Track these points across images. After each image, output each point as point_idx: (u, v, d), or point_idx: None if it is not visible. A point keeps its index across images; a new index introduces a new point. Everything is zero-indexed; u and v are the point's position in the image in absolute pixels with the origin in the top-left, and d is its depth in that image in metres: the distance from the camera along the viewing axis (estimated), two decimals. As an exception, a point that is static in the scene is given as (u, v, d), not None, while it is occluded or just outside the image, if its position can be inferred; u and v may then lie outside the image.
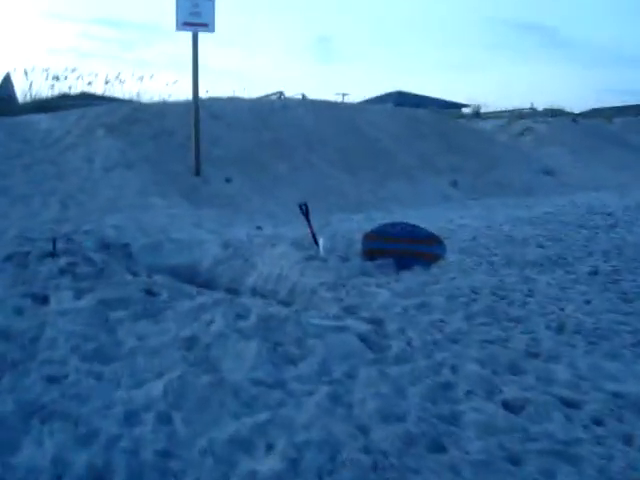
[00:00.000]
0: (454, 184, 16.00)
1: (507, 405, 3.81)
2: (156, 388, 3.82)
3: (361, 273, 6.77)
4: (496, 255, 8.23)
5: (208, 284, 7.93)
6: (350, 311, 5.48)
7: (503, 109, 32.19)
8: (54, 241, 7.25)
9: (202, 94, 14.48)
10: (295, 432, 3.36)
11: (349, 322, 5.06)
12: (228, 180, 13.02)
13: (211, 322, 4.85)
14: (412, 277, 6.82)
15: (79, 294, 5.54)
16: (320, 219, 11.41)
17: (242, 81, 75.44)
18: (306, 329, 4.75)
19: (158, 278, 6.33)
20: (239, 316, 4.96)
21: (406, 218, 11.75)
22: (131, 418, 3.50)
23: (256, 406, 3.66)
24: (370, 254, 7.33)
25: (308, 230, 7.61)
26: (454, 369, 4.29)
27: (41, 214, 9.71)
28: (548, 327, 5.26)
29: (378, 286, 6.27)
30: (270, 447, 3.25)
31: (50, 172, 11.54)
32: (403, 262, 7.15)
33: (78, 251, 7.34)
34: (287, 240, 8.49)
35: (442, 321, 5.37)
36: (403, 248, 7.18)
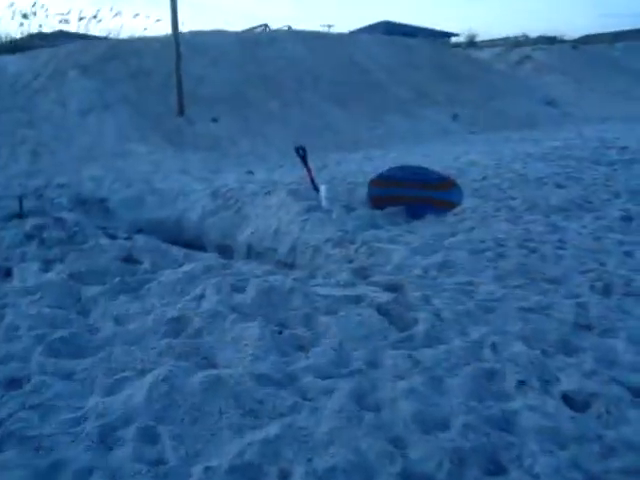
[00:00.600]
0: (455, 117, 15.09)
1: (569, 400, 3.11)
2: (138, 392, 3.08)
3: (370, 225, 6.00)
4: (514, 198, 7.46)
5: (197, 241, 7.17)
6: (363, 275, 4.73)
7: (496, 37, 30.94)
8: (20, 200, 6.42)
9: (183, 29, 13.38)
10: (315, 452, 2.66)
11: (364, 290, 4.33)
12: (214, 120, 12.09)
13: (202, 297, 4.10)
14: (426, 228, 6.06)
15: (47, 265, 4.77)
16: (316, 160, 10.54)
17: (224, 14, 71.94)
18: (315, 303, 4.01)
19: (139, 240, 5.54)
20: (235, 289, 4.20)
21: (406, 156, 10.94)
22: (107, 438, 2.78)
23: (263, 414, 2.94)
24: (377, 202, 6.55)
25: (307, 176, 6.80)
26: (495, 349, 3.58)
27: (9, 167, 8.83)
28: (592, 288, 4.54)
29: (391, 241, 5.51)
30: (284, 476, 2.55)
31: (20, 119, 10.57)
32: (414, 210, 6.38)
33: (49, 210, 6.54)
34: (283, 187, 7.67)
35: (470, 283, 4.64)
36: (414, 194, 6.40)
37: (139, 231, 7.26)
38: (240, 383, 3.12)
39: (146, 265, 4.86)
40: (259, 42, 15.17)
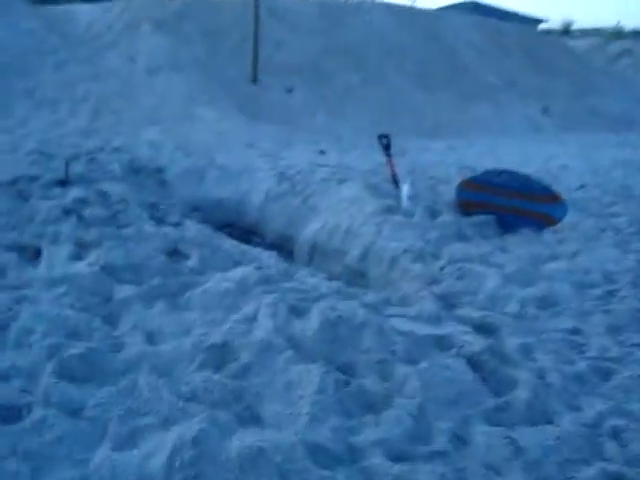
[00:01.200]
0: (545, 111, 13.91)
1: None
2: (158, 453, 2.38)
3: (456, 236, 5.15)
4: (618, 216, 6.47)
5: (256, 227, 6.48)
6: (449, 304, 3.92)
7: (588, 27, 29.05)
8: (67, 164, 5.80)
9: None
10: None
11: (452, 329, 3.52)
12: (289, 90, 11.31)
13: (254, 319, 3.35)
14: (521, 246, 5.17)
15: (80, 251, 4.12)
16: (395, 146, 9.68)
17: None
18: (392, 344, 3.22)
19: (190, 228, 4.84)
20: (295, 312, 3.44)
21: (493, 150, 9.97)
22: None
23: (315, 511, 2.19)
24: (466, 207, 5.68)
25: (387, 167, 5.96)
26: (620, 440, 2.73)
27: (67, 123, 8.26)
28: None
29: (481, 260, 4.66)
30: None
31: (85, 73, 10.01)
32: (507, 221, 5.49)
33: (97, 178, 5.90)
34: (358, 177, 6.87)
35: (578, 331, 3.77)
36: (510, 204, 5.50)
37: (195, 209, 6.62)
38: (289, 459, 2.37)
39: (193, 262, 4.16)
40: (343, 10, 14.23)
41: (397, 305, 3.82)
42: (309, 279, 4.01)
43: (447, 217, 5.50)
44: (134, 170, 6.63)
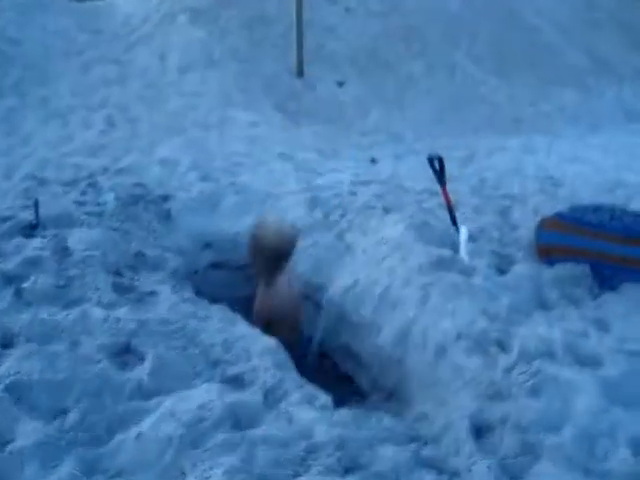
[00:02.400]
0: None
1: None
2: None
3: (534, 302, 3.71)
4: None
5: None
6: (529, 451, 2.50)
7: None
8: (36, 205, 4.65)
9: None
10: None
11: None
12: (341, 84, 9.89)
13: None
14: (629, 316, 3.65)
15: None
16: (461, 146, 8.19)
17: None
18: None
19: (165, 299, 3.57)
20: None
21: (581, 152, 8.28)
22: None
23: None
24: (548, 253, 4.20)
25: (442, 198, 4.51)
26: None
27: (75, 138, 7.14)
28: None
29: (569, 351, 3.18)
30: None
31: (110, 74, 8.89)
32: (607, 275, 3.98)
33: (76, 220, 4.72)
34: (409, 201, 5.47)
35: None
36: (611, 251, 3.98)
37: (206, 247, 5.39)
38: None
39: (143, 372, 2.90)
40: (406, -12, 12.59)
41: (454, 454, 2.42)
42: (304, 412, 2.66)
43: (522, 269, 4.02)
44: (132, 200, 5.42)
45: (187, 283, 4.57)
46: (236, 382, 2.95)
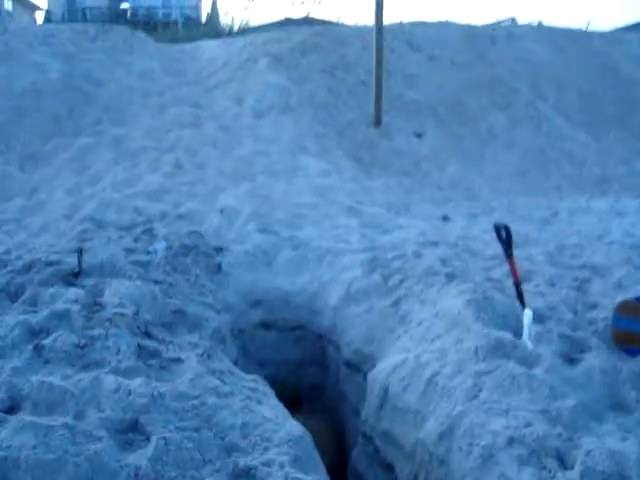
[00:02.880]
0: None
1: None
2: None
3: (608, 402, 3.17)
4: None
5: (331, 335, 4.84)
6: None
7: None
8: (80, 254, 4.50)
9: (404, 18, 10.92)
10: None
11: None
12: (419, 135, 9.57)
13: None
14: None
15: None
16: (543, 206, 7.66)
17: (457, 4, 63.47)
18: None
19: (189, 369, 3.26)
20: None
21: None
22: None
23: None
24: (624, 341, 3.65)
25: (510, 270, 4.03)
26: None
27: (142, 180, 7.10)
28: None
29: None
30: None
31: (185, 117, 8.91)
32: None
33: (119, 270, 4.54)
34: (474, 267, 5.03)
35: None
36: None
37: (255, 305, 5.11)
38: None
39: (144, 458, 2.58)
40: (493, 39, 12.21)
41: None
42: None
43: (595, 359, 3.48)
44: (184, 250, 5.22)
45: (224, 347, 4.28)
46: (245, 478, 2.59)
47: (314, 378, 5.22)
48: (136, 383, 3.00)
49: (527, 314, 3.54)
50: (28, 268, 4.62)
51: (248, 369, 5.13)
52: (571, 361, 3.45)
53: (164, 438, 2.69)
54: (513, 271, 3.91)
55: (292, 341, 5.17)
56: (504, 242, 3.94)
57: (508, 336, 3.47)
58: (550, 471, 2.58)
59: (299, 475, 2.55)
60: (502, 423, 2.84)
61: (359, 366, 4.54)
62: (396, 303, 4.64)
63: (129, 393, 2.92)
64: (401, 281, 4.89)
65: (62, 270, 4.49)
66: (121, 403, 2.88)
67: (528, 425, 2.82)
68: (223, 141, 8.34)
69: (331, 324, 4.93)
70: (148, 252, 5.18)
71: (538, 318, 3.87)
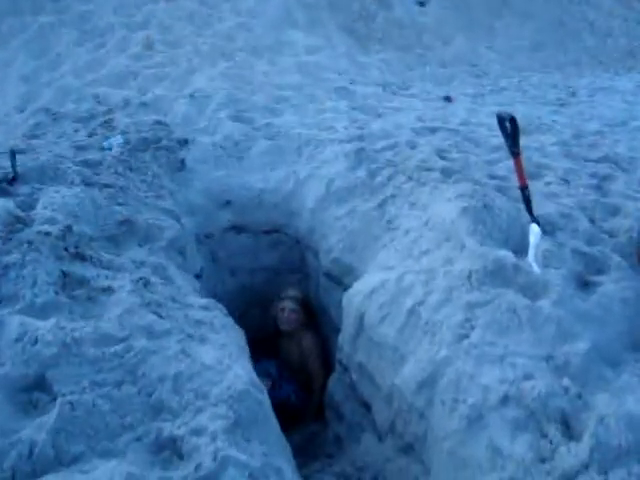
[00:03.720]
0: None
1: None
2: None
3: (628, 340, 2.59)
4: None
5: (309, 241, 4.29)
6: None
7: None
8: (12, 156, 3.83)
9: None
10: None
11: None
12: (421, 4, 8.55)
13: None
14: None
15: None
16: (559, 85, 6.82)
17: None
18: None
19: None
20: None
21: None
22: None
23: None
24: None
25: (516, 173, 3.34)
26: None
27: (107, 63, 6.29)
28: None
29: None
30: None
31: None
32: None
33: (63, 173, 3.90)
34: (475, 165, 4.35)
35: None
36: None
37: (226, 205, 4.49)
38: None
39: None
40: None
41: None
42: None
43: (613, 285, 2.85)
44: (143, 145, 4.55)
45: (183, 259, 3.71)
46: (169, 451, 2.08)
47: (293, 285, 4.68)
48: (47, 326, 2.44)
49: (534, 230, 2.90)
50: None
51: (219, 277, 4.61)
52: (585, 286, 2.84)
53: (70, 402, 2.16)
54: (519, 173, 3.22)
55: (267, 246, 4.60)
56: (509, 137, 3.22)
57: (509, 257, 2.84)
58: (551, 441, 2.04)
59: (231, 452, 2.03)
60: (495, 374, 2.29)
61: (339, 278, 3.98)
62: (382, 205, 4.00)
63: (35, 341, 2.37)
64: (390, 178, 4.23)
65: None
66: (24, 355, 2.33)
67: (528, 377, 2.26)
68: (201, 15, 7.40)
69: (309, 228, 4.33)
70: (102, 148, 4.51)
71: (548, 228, 3.23)
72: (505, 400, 2.20)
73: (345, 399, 3.33)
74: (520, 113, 5.80)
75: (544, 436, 2.08)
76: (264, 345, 4.32)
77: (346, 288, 3.70)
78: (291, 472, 2.30)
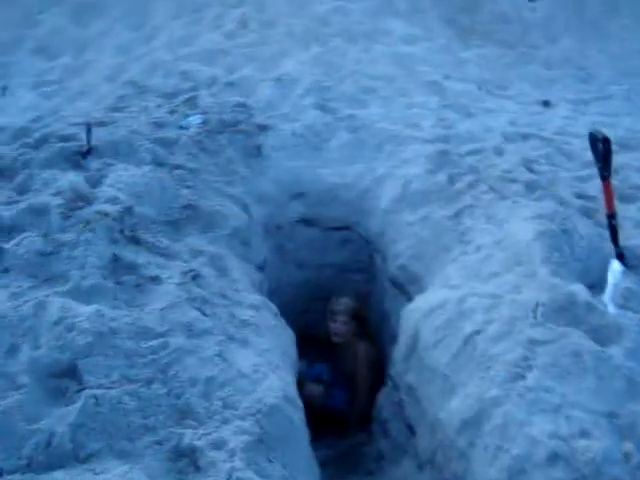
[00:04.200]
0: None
1: None
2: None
3: None
4: None
5: (378, 244, 4.14)
6: None
7: None
8: (88, 130, 3.85)
9: None
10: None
11: None
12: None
13: None
14: None
15: None
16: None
17: None
18: None
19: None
20: None
21: None
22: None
23: None
24: None
25: (605, 200, 3.02)
26: None
27: (199, 39, 6.27)
28: None
29: None
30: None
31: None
32: None
33: (137, 149, 3.89)
34: (567, 178, 4.06)
35: None
36: None
37: (297, 197, 4.38)
38: None
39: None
40: None
41: None
42: None
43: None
44: (220, 127, 4.49)
45: (246, 249, 3.63)
46: (187, 460, 1.99)
47: (359, 285, 4.54)
48: (86, 313, 2.39)
49: (614, 267, 2.63)
50: (41, 142, 4.03)
51: (284, 270, 4.51)
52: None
53: (95, 397, 2.11)
54: (607, 199, 2.94)
55: (337, 243, 4.46)
56: (600, 158, 2.94)
57: (583, 292, 2.59)
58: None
59: (245, 473, 1.92)
60: (547, 426, 2.07)
61: (404, 286, 3.80)
62: (458, 214, 3.78)
63: (71, 328, 2.32)
64: (470, 186, 3.99)
65: (71, 148, 3.87)
66: (59, 341, 2.29)
67: (584, 435, 2.03)
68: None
69: (380, 230, 4.16)
70: (180, 127, 4.49)
71: (634, 262, 2.94)
72: (554, 458, 1.99)
73: (392, 417, 3.17)
74: (624, 125, 5.42)
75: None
76: (325, 343, 4.21)
77: (410, 298, 3.53)
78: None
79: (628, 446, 1.99)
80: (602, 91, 6.41)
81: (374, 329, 4.33)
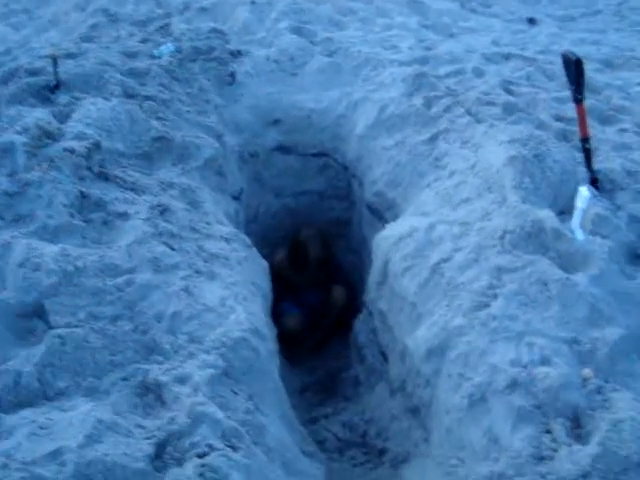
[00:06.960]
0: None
1: None
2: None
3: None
4: None
5: (355, 170, 4.09)
6: None
7: None
8: (54, 63, 3.72)
9: None
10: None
11: None
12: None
13: None
14: None
15: None
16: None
17: None
18: None
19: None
20: None
21: None
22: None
23: None
24: None
25: (578, 123, 2.96)
26: None
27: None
28: None
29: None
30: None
31: None
32: None
33: (106, 81, 3.79)
34: (546, 100, 3.98)
35: None
36: None
37: (275, 122, 4.30)
38: None
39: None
40: None
41: None
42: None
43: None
44: (193, 55, 4.36)
45: (220, 179, 3.59)
46: (153, 396, 2.02)
47: (339, 212, 4.54)
48: (52, 253, 2.37)
49: (582, 193, 2.60)
50: (9, 77, 3.91)
51: (262, 198, 4.49)
52: (635, 260, 2.55)
53: (60, 336, 2.12)
54: (581, 122, 2.89)
55: (314, 169, 4.43)
56: (574, 81, 2.87)
57: (551, 218, 2.57)
58: (554, 440, 1.86)
59: (208, 408, 1.95)
60: (508, 354, 2.10)
61: (381, 212, 3.80)
62: (434, 139, 3.72)
63: (37, 267, 2.32)
64: (447, 109, 3.90)
65: (39, 83, 3.75)
66: (25, 282, 2.28)
67: (544, 362, 2.07)
68: None
69: (356, 155, 4.11)
70: (152, 56, 4.35)
71: (607, 186, 2.92)
72: (513, 385, 2.03)
73: (368, 343, 3.22)
74: (610, 43, 5.29)
75: (547, 432, 1.91)
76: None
77: (386, 224, 3.52)
78: (278, 428, 2.22)
79: (587, 371, 2.02)
80: (590, 6, 6.24)
81: (353, 253, 4.38)
